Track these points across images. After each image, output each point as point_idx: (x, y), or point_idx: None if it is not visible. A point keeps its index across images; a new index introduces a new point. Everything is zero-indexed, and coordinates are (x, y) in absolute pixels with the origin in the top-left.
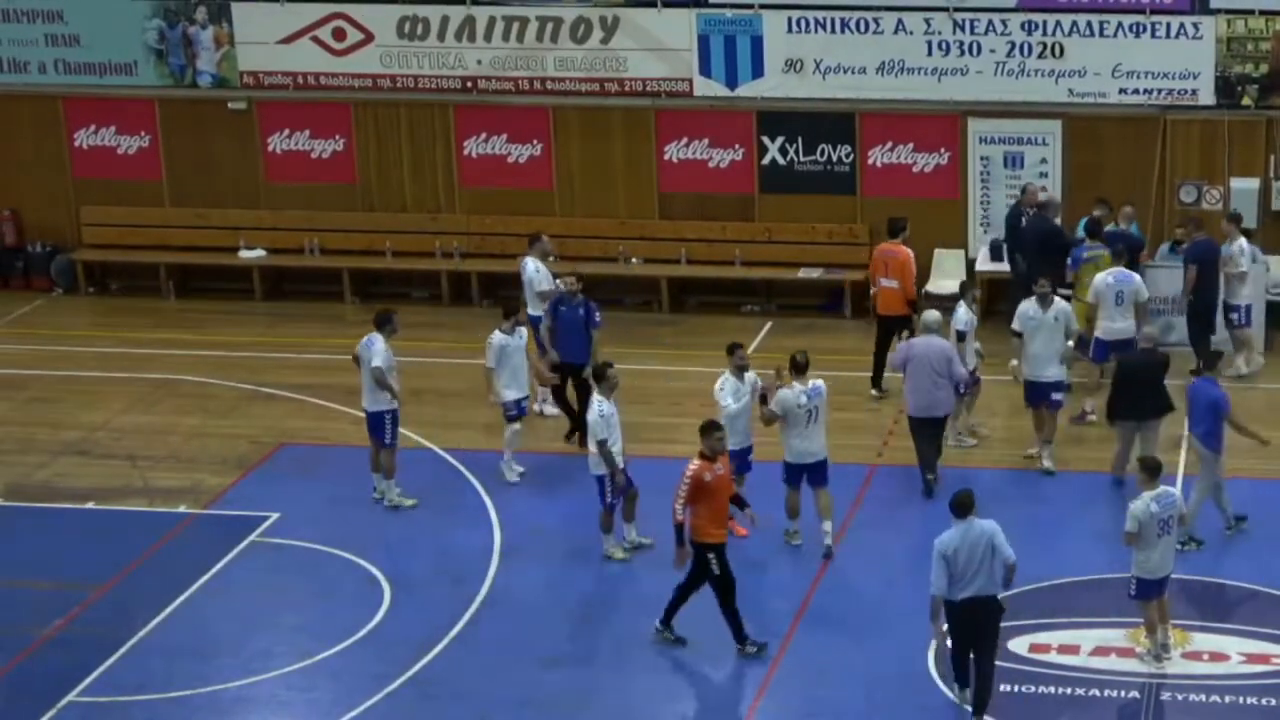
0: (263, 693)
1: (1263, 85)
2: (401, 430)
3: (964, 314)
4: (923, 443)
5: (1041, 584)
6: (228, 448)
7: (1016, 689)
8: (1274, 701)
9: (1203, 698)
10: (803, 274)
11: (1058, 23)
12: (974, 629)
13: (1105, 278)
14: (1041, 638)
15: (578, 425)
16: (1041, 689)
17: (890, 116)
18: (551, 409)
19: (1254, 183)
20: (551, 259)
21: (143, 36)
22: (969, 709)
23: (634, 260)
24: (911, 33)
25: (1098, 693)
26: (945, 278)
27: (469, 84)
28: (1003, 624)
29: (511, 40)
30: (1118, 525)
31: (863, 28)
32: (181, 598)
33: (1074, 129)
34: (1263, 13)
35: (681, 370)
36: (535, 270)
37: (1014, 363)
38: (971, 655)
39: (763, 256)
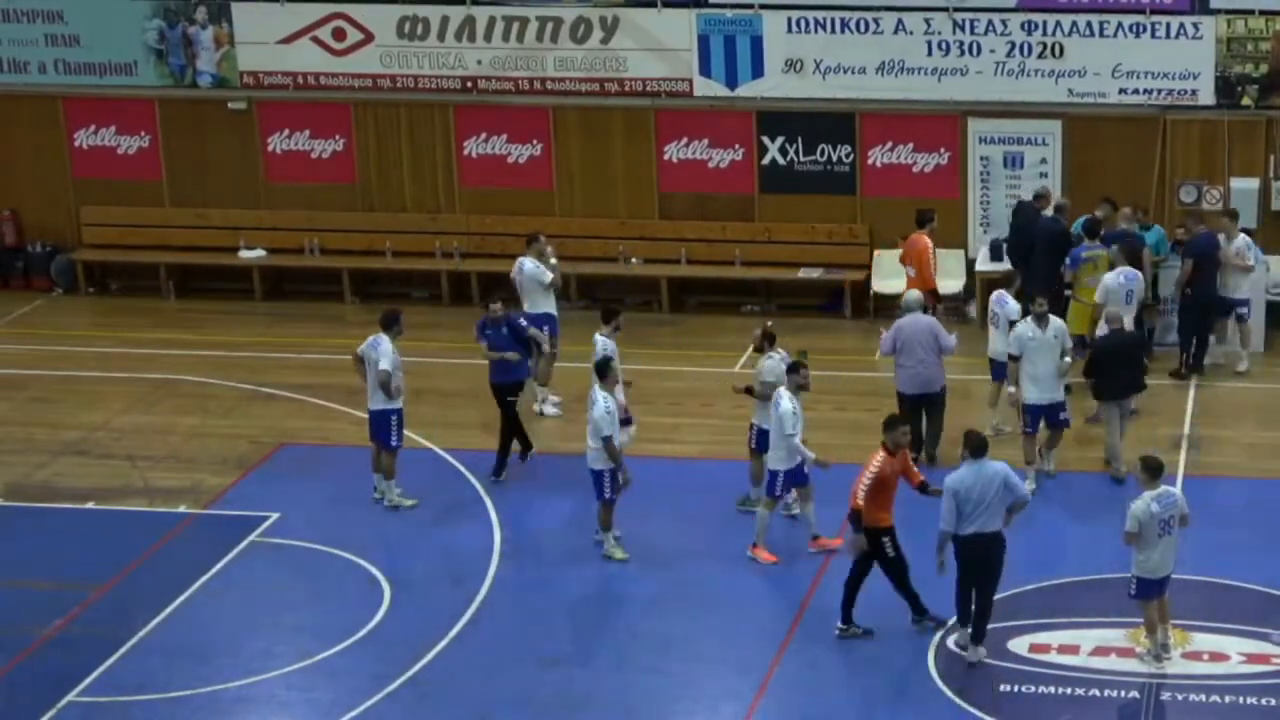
0: (263, 693)
1: (1263, 85)
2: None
3: (1014, 304)
4: (917, 420)
5: (1041, 584)
6: (228, 448)
7: (1016, 689)
8: (1274, 701)
9: (1203, 698)
10: (803, 274)
11: (1058, 23)
12: (978, 563)
13: (1117, 277)
14: (1041, 638)
15: (527, 445)
16: (1041, 689)
17: (890, 116)
18: (551, 409)
19: (1254, 183)
20: (551, 260)
21: (143, 36)
22: (966, 646)
23: (634, 260)
24: (911, 33)
25: (1098, 693)
26: (946, 277)
27: (469, 84)
28: (1003, 624)
29: (511, 40)
30: (1118, 525)
31: (863, 28)
32: (181, 598)
33: (1074, 129)
34: (1263, 13)
35: (681, 370)
36: (535, 268)
37: (1011, 389)
38: (975, 588)
39: (763, 256)
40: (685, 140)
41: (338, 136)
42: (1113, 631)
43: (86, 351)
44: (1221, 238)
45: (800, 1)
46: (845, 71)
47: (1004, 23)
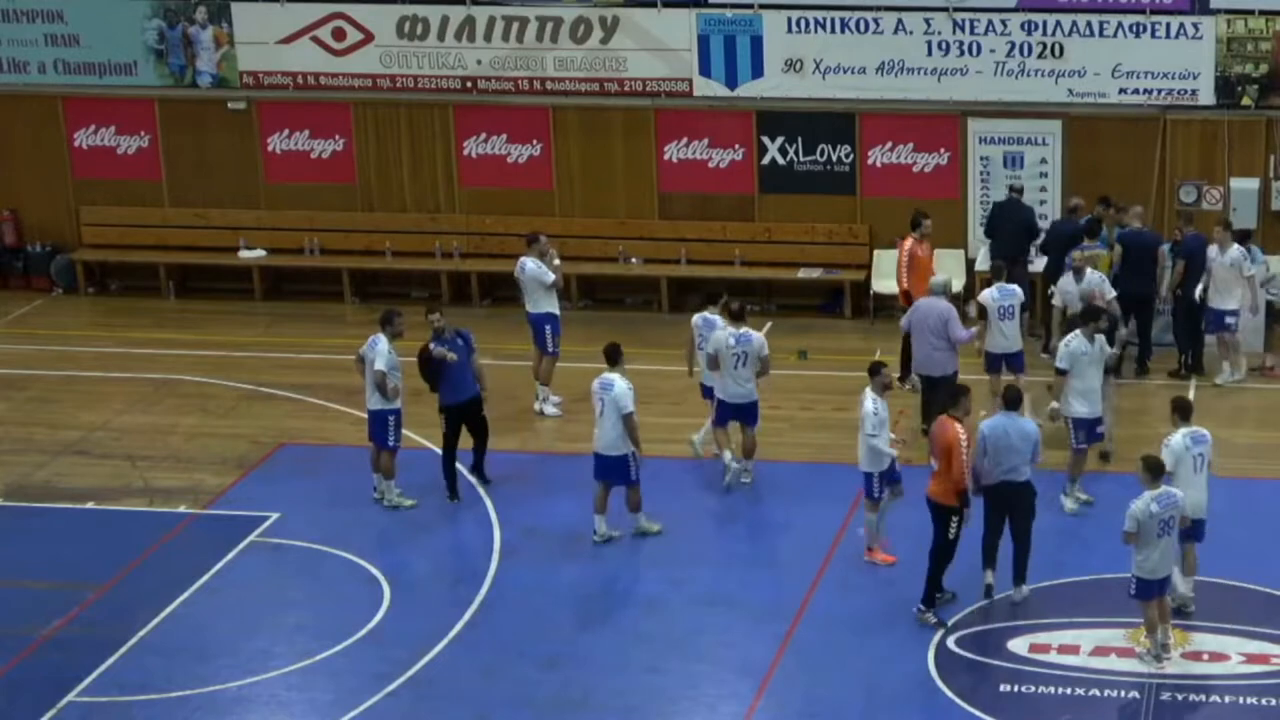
0: (262, 693)
1: (1263, 85)
2: (403, 431)
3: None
4: (927, 393)
5: (1041, 584)
6: (227, 448)
7: (1016, 689)
8: (1274, 702)
9: (1202, 698)
10: (802, 274)
11: (1058, 23)
12: (1006, 509)
13: (993, 292)
14: (1041, 638)
15: (481, 468)
16: (1041, 689)
17: (890, 116)
18: (552, 409)
19: (1254, 183)
20: (554, 260)
21: (142, 36)
22: (990, 592)
23: (634, 260)
24: (911, 33)
25: (1098, 693)
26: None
27: (469, 84)
28: (1002, 624)
29: (511, 40)
30: (1117, 524)
31: (862, 28)
32: (181, 598)
33: (1074, 129)
34: (1263, 13)
35: (681, 370)
36: (536, 268)
37: (1054, 405)
38: (1011, 533)
39: (762, 256)
40: (685, 140)
41: (337, 136)
42: (1112, 631)
43: (86, 351)
44: (1214, 248)
45: (800, 1)
46: (845, 71)
47: (1004, 23)
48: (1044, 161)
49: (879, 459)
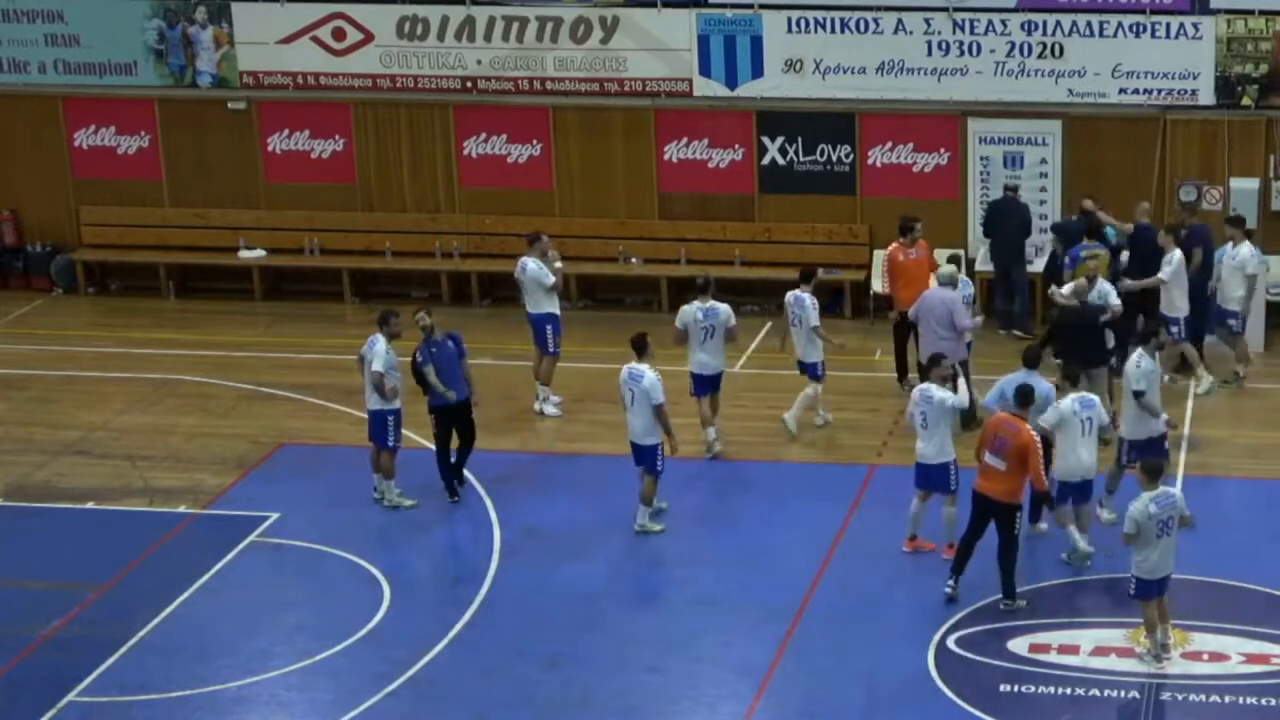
0: (262, 693)
1: (1263, 85)
2: (403, 431)
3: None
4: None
5: (1042, 584)
6: (227, 448)
7: (1016, 689)
8: (1274, 702)
9: (1202, 698)
10: None
11: (1057, 23)
12: None
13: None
14: (1041, 638)
15: (461, 470)
16: (1041, 689)
17: (890, 116)
18: (552, 409)
19: (1254, 183)
20: (555, 261)
21: (142, 36)
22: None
23: (634, 260)
24: (911, 33)
25: (1098, 692)
26: None
27: (469, 84)
28: (1002, 624)
29: (511, 40)
30: (1117, 526)
31: (862, 28)
32: (181, 598)
33: (1074, 129)
34: (1263, 13)
35: (682, 370)
36: (538, 268)
37: (1120, 433)
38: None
39: (763, 256)
40: (685, 140)
41: (337, 136)
42: (1112, 631)
43: (86, 351)
44: (1228, 245)
45: (800, 1)
46: (845, 71)
47: (1004, 23)
48: (1044, 162)
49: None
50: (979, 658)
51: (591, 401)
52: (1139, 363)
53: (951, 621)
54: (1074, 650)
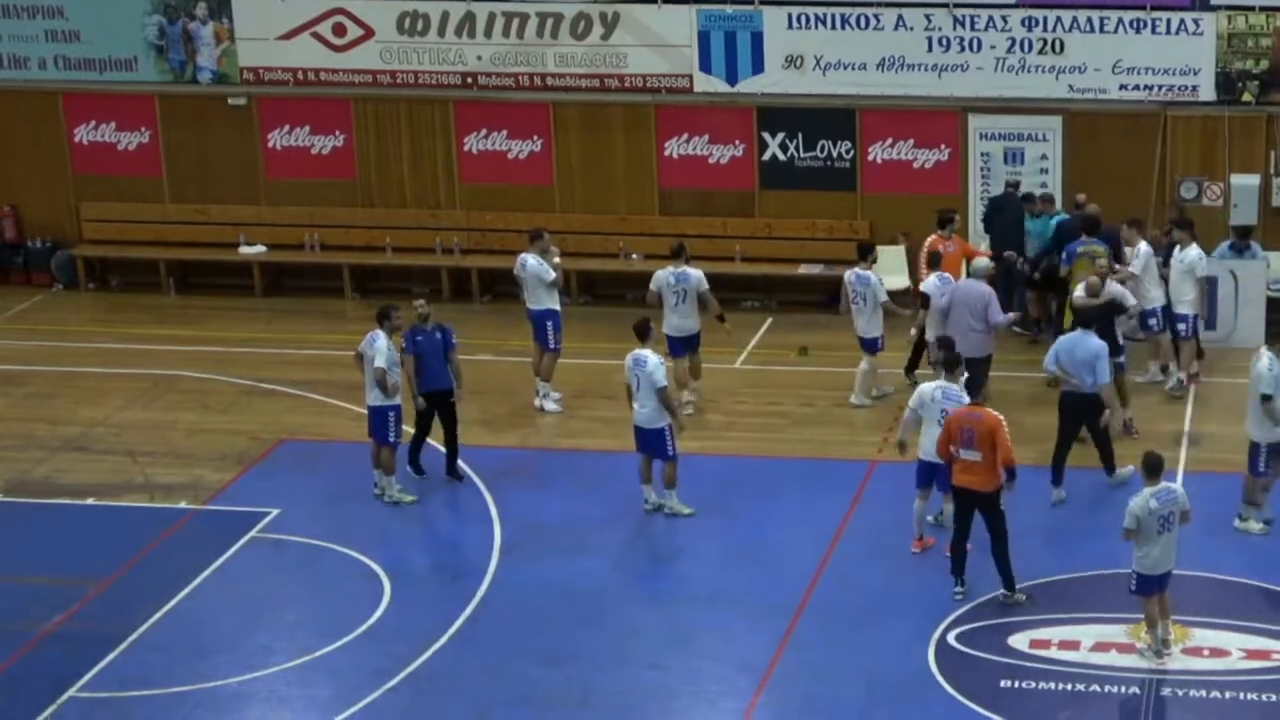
0: (263, 688)
1: (1263, 81)
2: (403, 427)
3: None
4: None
5: (1042, 580)
6: (228, 443)
7: (1017, 684)
8: (1274, 697)
9: (1203, 693)
10: (803, 270)
11: (1058, 19)
12: (1079, 413)
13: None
14: (1042, 633)
15: (455, 453)
16: (1042, 685)
17: (891, 113)
18: (552, 405)
19: (1254, 179)
20: (555, 259)
21: (143, 32)
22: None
23: (634, 256)
24: (912, 29)
25: (1098, 688)
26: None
27: (469, 80)
28: (1003, 620)
29: (511, 36)
30: (1119, 521)
31: (863, 24)
32: (182, 594)
33: (1074, 125)
34: (1263, 9)
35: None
36: (538, 264)
37: (1252, 437)
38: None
39: (763, 253)
40: (685, 136)
41: (338, 132)
42: (1113, 627)
43: (86, 347)
44: (1128, 250)
45: None
46: (846, 67)
47: (1004, 19)
48: (1044, 158)
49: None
50: (980, 653)
51: (592, 397)
52: (1271, 366)
53: (952, 617)
54: (1075, 646)
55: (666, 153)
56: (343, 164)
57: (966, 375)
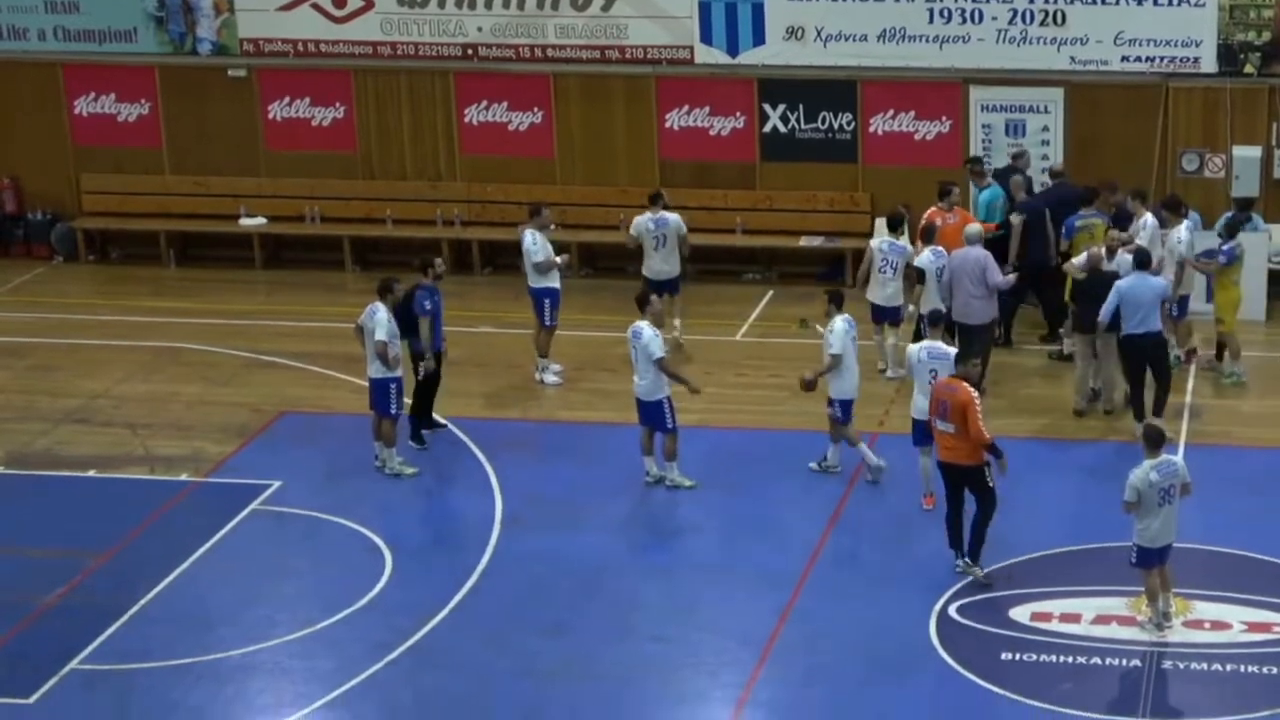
0: (264, 661)
1: (1265, 53)
2: (404, 399)
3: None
4: (963, 344)
5: (1043, 553)
6: (228, 416)
7: (1018, 657)
8: (1275, 670)
9: (1204, 666)
10: (804, 242)
11: None
12: (1144, 357)
13: (926, 254)
14: (1043, 606)
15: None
16: (1043, 657)
17: (892, 84)
18: (552, 378)
19: (1256, 151)
20: (552, 228)
21: (142, 3)
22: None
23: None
24: (913, 0)
25: (1099, 661)
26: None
27: (469, 51)
28: (1004, 592)
29: (512, 7)
30: (1119, 493)
31: None
32: (183, 566)
33: (1076, 97)
34: None
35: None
36: (533, 242)
37: None
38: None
39: (764, 225)
40: (686, 108)
41: (338, 104)
42: (1114, 600)
43: (87, 319)
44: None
45: None
46: (847, 39)
47: None
48: (1045, 129)
49: None
50: (981, 626)
51: (593, 370)
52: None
53: (953, 590)
54: (1075, 619)
55: (667, 124)
56: (343, 136)
57: (966, 344)
